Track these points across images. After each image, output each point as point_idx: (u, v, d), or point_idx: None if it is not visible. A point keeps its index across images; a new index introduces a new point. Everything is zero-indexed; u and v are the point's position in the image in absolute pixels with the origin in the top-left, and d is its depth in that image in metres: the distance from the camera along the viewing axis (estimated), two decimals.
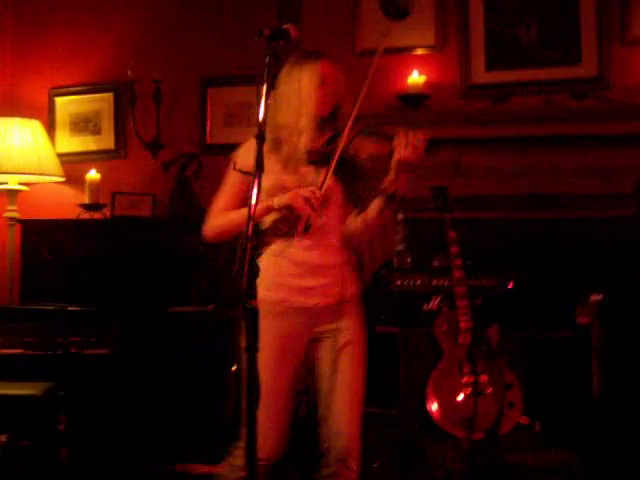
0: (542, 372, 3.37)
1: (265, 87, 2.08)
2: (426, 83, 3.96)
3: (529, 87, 3.91)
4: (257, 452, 2.11)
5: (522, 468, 3.01)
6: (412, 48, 4.08)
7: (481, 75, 3.99)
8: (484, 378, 3.12)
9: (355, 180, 2.42)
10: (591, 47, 3.88)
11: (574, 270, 3.66)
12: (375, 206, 2.38)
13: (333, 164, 2.30)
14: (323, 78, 2.38)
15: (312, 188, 2.28)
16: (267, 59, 2.09)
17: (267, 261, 2.38)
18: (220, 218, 2.45)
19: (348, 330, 2.42)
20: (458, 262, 3.23)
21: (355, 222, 2.45)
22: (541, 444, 3.11)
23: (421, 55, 4.08)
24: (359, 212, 2.45)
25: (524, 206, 3.84)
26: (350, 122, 2.32)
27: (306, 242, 2.37)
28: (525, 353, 3.35)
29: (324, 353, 2.42)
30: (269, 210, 2.35)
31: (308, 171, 2.38)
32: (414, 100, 3.93)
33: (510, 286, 3.44)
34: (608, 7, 3.87)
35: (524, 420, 3.16)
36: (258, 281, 2.19)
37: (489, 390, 3.10)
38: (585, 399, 3.26)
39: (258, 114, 2.05)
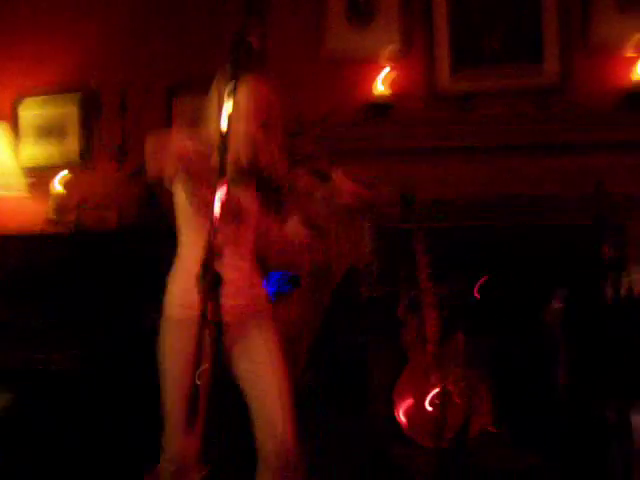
0: (509, 377, 3.39)
1: (227, 96, 2.08)
2: (392, 92, 3.96)
3: (493, 95, 3.93)
4: (170, 455, 2.48)
5: (491, 473, 3.03)
6: (377, 56, 4.08)
7: (446, 84, 3.99)
8: (452, 385, 3.14)
9: (278, 200, 2.54)
10: (554, 54, 3.90)
11: (539, 275, 3.69)
12: (294, 229, 2.53)
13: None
14: (255, 97, 2.47)
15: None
16: (229, 68, 2.10)
17: (175, 276, 2.51)
18: None
19: (260, 336, 2.52)
20: (426, 271, 3.25)
21: (274, 239, 2.57)
22: (509, 448, 3.13)
23: (387, 63, 4.08)
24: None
25: (490, 213, 3.86)
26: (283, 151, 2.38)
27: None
28: (492, 359, 3.37)
29: (239, 361, 2.51)
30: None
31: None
32: (379, 109, 3.94)
33: (477, 294, 3.46)
34: (570, 14, 3.91)
35: (492, 428, 3.18)
36: (167, 297, 2.49)
37: (457, 397, 3.11)
38: (551, 403, 3.29)
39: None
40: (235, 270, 2.41)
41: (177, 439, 2.46)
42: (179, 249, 2.54)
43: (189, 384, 2.37)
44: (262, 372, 2.48)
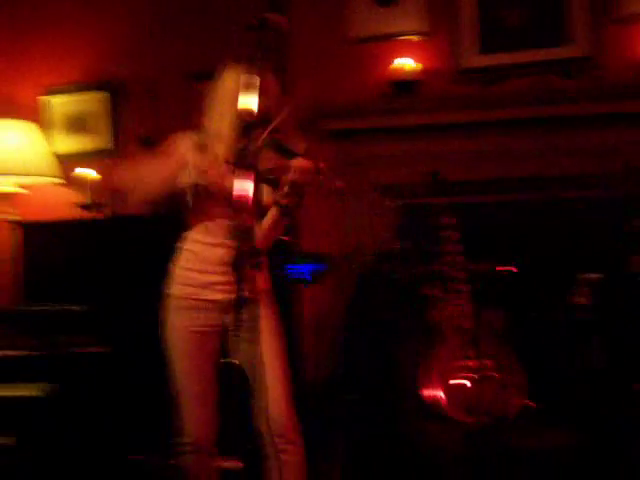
0: (542, 353, 3.38)
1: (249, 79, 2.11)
2: (418, 69, 3.95)
3: (521, 69, 3.89)
4: (184, 437, 2.50)
5: (525, 450, 3.03)
6: (403, 34, 4.06)
7: (473, 59, 3.96)
8: (488, 362, 3.14)
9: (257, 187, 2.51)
10: (582, 26, 3.84)
11: (569, 251, 3.66)
12: (271, 215, 2.50)
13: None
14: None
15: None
16: (255, 51, 2.11)
17: (184, 257, 2.57)
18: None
19: (261, 318, 2.46)
20: (457, 247, 3.25)
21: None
22: (543, 425, 3.13)
23: (412, 41, 4.06)
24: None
25: (519, 189, 3.84)
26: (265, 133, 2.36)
27: (210, 239, 2.51)
28: (525, 335, 3.36)
29: (241, 341, 2.49)
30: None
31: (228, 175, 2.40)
32: (406, 86, 3.92)
33: (509, 269, 3.45)
34: None
35: (528, 402, 3.17)
36: (175, 277, 2.54)
37: (493, 373, 3.11)
38: (585, 379, 3.27)
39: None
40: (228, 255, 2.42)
41: (192, 416, 2.50)
42: (187, 233, 2.59)
43: (198, 363, 2.49)
44: (263, 351, 2.45)
